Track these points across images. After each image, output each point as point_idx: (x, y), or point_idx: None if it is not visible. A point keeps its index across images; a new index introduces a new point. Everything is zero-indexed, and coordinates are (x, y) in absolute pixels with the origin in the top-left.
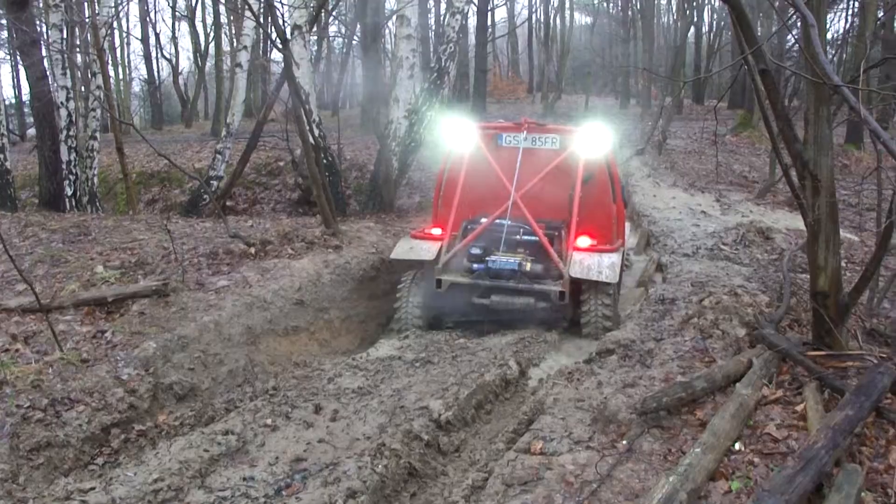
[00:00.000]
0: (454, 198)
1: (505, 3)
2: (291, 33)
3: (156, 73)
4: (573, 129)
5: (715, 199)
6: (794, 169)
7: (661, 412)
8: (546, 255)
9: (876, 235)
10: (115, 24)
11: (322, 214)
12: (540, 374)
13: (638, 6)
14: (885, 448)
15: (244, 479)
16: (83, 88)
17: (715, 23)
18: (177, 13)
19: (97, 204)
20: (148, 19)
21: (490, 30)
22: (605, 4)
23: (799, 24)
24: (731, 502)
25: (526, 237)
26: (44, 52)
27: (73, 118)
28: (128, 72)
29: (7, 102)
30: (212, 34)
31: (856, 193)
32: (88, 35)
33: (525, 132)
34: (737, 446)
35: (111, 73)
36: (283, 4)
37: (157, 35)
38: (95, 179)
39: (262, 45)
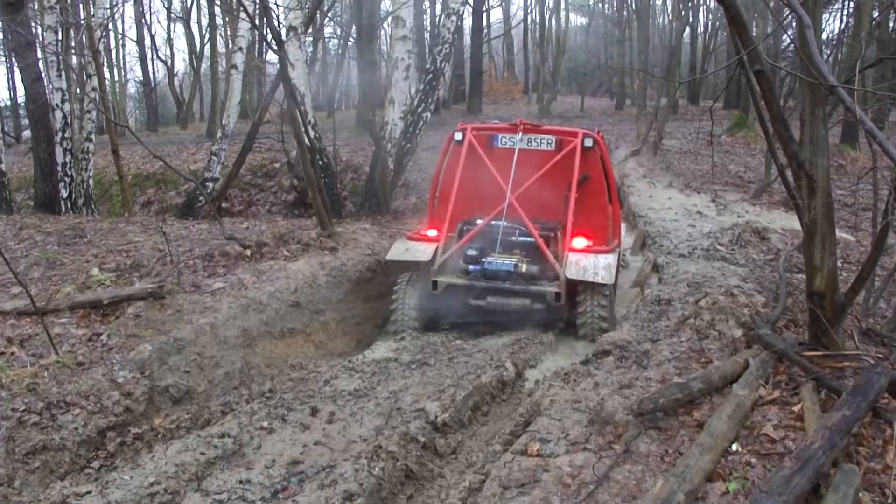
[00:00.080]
0: (450, 199)
1: (500, 4)
2: (287, 35)
3: (151, 75)
4: (569, 129)
5: (711, 199)
6: (790, 169)
7: (657, 413)
8: (542, 257)
9: (872, 235)
10: (110, 26)
11: (318, 216)
12: (536, 376)
13: (633, 7)
14: (882, 448)
15: (241, 482)
16: (78, 90)
17: (710, 23)
18: (172, 15)
19: (92, 206)
20: (143, 21)
21: (485, 31)
22: (600, 5)
23: (794, 24)
24: (729, 503)
25: (522, 238)
26: (39, 54)
27: (69, 120)
28: (123, 73)
29: (2, 104)
30: (207, 36)
31: (852, 193)
32: (84, 37)
33: (521, 133)
34: (734, 447)
35: (106, 74)
36: (278, 6)
37: (152, 37)
38: (91, 181)
39: (257, 46)
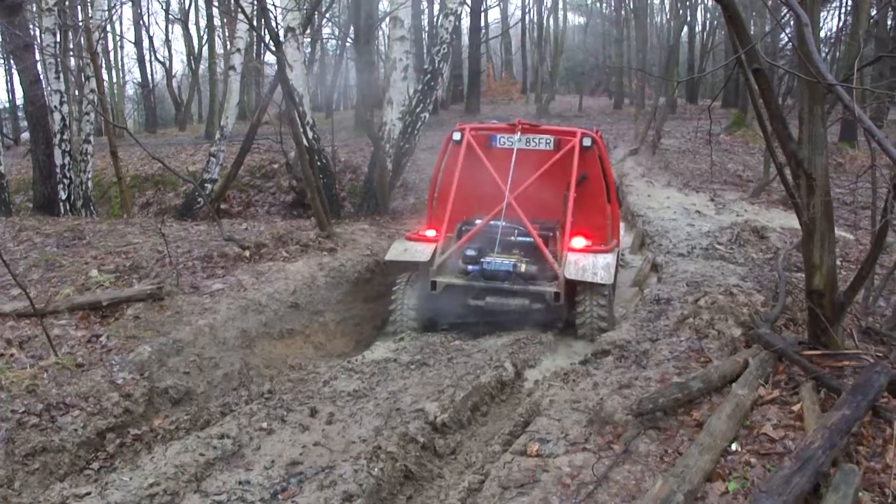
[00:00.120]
0: (448, 199)
1: (498, 4)
2: (285, 36)
3: (149, 77)
4: (567, 129)
5: (709, 198)
6: (789, 168)
7: (657, 413)
8: (541, 257)
9: (871, 234)
10: (108, 28)
11: (316, 217)
12: (536, 376)
13: (631, 6)
14: (881, 447)
15: (240, 483)
16: (77, 92)
17: (708, 22)
18: (170, 16)
19: (91, 208)
20: (141, 22)
21: (483, 31)
22: (598, 4)
23: (792, 22)
24: (729, 503)
25: (520, 238)
26: (37, 56)
27: (67, 122)
28: (121, 75)
29: (1, 106)
30: (205, 37)
31: (850, 192)
32: (82, 39)
33: (519, 133)
34: (733, 447)
35: (105, 76)
36: (276, 7)
37: (150, 38)
38: (90, 183)
39: (255, 47)
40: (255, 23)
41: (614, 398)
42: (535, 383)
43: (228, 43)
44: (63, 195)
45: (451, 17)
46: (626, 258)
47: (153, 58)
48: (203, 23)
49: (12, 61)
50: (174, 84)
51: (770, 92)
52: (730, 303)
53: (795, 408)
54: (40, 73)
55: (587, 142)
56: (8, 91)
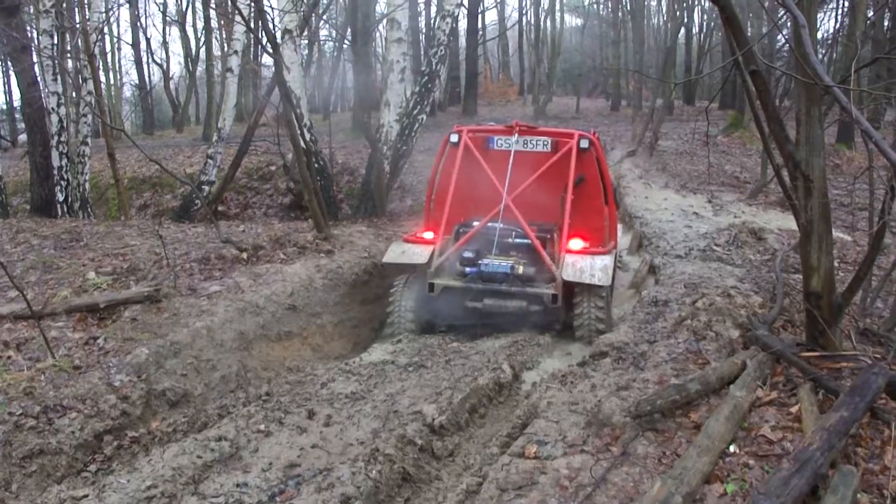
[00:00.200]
0: (446, 201)
1: (495, 6)
2: (282, 37)
3: (147, 78)
4: (565, 131)
5: (707, 199)
6: (786, 169)
7: (655, 415)
8: (538, 258)
9: (868, 235)
10: (105, 30)
11: (314, 219)
12: (533, 378)
13: (628, 8)
14: (880, 449)
15: (238, 485)
16: (74, 94)
17: (705, 24)
18: (167, 18)
19: (89, 210)
20: (139, 24)
21: (480, 33)
22: (595, 6)
23: (789, 24)
24: None
25: (518, 240)
26: (35, 58)
27: (65, 124)
28: (119, 77)
29: None
30: (202, 39)
31: (848, 193)
32: (79, 40)
33: (516, 135)
34: (731, 449)
35: (102, 78)
36: (273, 9)
37: (147, 40)
38: (87, 185)
39: (252, 49)
40: (252, 25)
41: (612, 400)
42: (532, 385)
43: (226, 45)
44: (60, 197)
45: (449, 19)
46: (624, 260)
47: (150, 60)
48: (200, 25)
49: (10, 63)
50: (171, 86)
51: (767, 93)
52: (727, 304)
53: (793, 409)
54: (38, 74)
55: (584, 143)
56: (5, 93)
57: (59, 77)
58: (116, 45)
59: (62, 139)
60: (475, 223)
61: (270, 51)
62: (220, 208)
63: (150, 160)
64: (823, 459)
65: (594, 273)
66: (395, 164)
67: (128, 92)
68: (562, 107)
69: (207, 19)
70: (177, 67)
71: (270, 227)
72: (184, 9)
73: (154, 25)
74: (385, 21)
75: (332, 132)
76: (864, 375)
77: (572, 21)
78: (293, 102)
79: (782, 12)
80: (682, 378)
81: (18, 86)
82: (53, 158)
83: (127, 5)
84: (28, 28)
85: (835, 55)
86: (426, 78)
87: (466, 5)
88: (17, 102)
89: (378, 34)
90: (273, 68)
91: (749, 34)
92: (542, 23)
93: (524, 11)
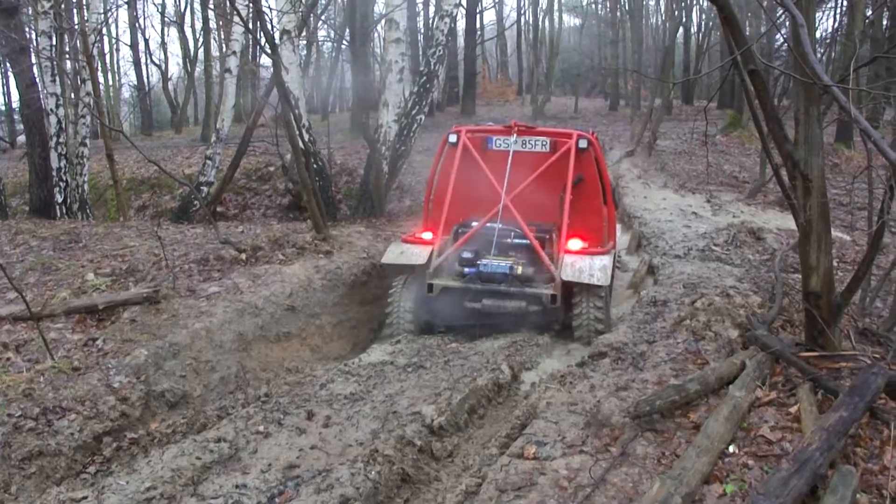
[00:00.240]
0: (445, 202)
1: (493, 6)
2: (280, 38)
3: (145, 79)
4: (563, 131)
5: (706, 199)
6: (785, 169)
7: (654, 415)
8: (537, 259)
9: (867, 235)
10: (104, 31)
11: (312, 219)
12: (532, 378)
13: (626, 7)
14: (879, 449)
15: (237, 486)
16: (73, 95)
17: (703, 23)
18: (166, 19)
19: (87, 211)
20: (137, 25)
21: (479, 32)
22: (593, 6)
23: (788, 23)
24: None
25: (517, 240)
26: (33, 59)
27: (63, 125)
28: (117, 78)
29: None
30: (201, 39)
31: (847, 193)
32: (78, 42)
33: (515, 135)
34: (731, 449)
35: (101, 79)
36: (271, 9)
37: (146, 41)
38: (86, 186)
39: (251, 50)
40: (250, 25)
41: (611, 400)
42: (531, 386)
43: (224, 45)
44: (59, 198)
45: (447, 19)
46: (623, 260)
47: (149, 60)
48: (199, 25)
49: (8, 64)
50: (170, 87)
51: (766, 93)
52: (726, 304)
53: (793, 409)
54: (36, 76)
55: (583, 143)
56: (4, 94)
57: (57, 78)
58: (115, 46)
59: (61, 140)
60: (474, 223)
61: (269, 51)
62: (218, 209)
63: (148, 161)
64: (823, 460)
65: (593, 273)
66: (393, 165)
67: (126, 93)
68: (560, 107)
69: (206, 20)
70: (175, 68)
71: (269, 228)
72: (182, 10)
73: (152, 26)
74: (383, 21)
75: (330, 133)
76: (864, 375)
77: (570, 21)
78: (292, 103)
79: (781, 11)
80: (681, 378)
81: (17, 87)
82: (52, 159)
83: (125, 6)
84: (27, 29)
85: (833, 54)
86: (424, 78)
87: (465, 5)
88: (15, 104)
89: (376, 34)
90: (271, 69)
91: (747, 33)
92: (540, 23)
93: (522, 11)
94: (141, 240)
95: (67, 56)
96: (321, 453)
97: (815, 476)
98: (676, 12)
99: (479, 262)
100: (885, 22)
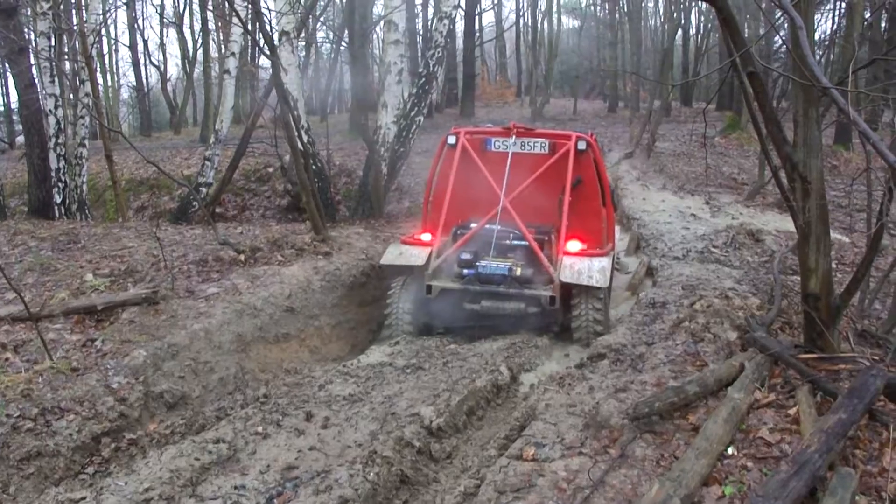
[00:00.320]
0: (444, 203)
1: (492, 8)
2: (279, 39)
3: (144, 80)
4: (562, 132)
5: (704, 201)
6: (784, 171)
7: (653, 417)
8: (536, 260)
9: (866, 237)
10: (103, 32)
11: (311, 221)
12: (531, 380)
13: (625, 9)
14: (878, 451)
15: (235, 487)
16: (71, 96)
17: (702, 25)
18: (165, 20)
19: (86, 212)
20: (136, 26)
21: (478, 34)
22: (592, 8)
23: (786, 25)
24: None
25: (516, 242)
26: (32, 60)
27: (62, 126)
28: (116, 79)
29: None
30: (200, 41)
31: (846, 194)
32: (77, 43)
33: (514, 137)
34: (730, 451)
35: (99, 80)
36: (270, 11)
37: (145, 42)
38: (84, 187)
39: (250, 51)
40: (249, 27)
41: (610, 402)
42: (530, 387)
43: (223, 46)
44: (58, 199)
45: (446, 21)
46: (622, 261)
47: (148, 61)
48: (198, 26)
49: (7, 65)
50: (169, 88)
51: (765, 95)
52: (725, 306)
53: (792, 411)
54: (35, 76)
55: (582, 145)
56: (3, 95)
57: (56, 79)
58: (114, 47)
59: (60, 141)
60: (473, 225)
61: (268, 53)
62: (217, 210)
63: (147, 162)
64: (822, 461)
65: (592, 275)
66: (392, 166)
67: (125, 94)
68: (559, 108)
69: (205, 21)
70: (174, 69)
71: (268, 229)
72: (181, 11)
73: (151, 27)
74: (382, 23)
75: (329, 134)
76: (863, 377)
77: (569, 23)
78: (290, 104)
79: (779, 13)
80: (680, 380)
81: (16, 88)
82: (51, 160)
83: (124, 7)
84: (26, 30)
85: (832, 56)
86: (423, 80)
87: (463, 7)
88: (14, 104)
89: (375, 36)
90: (270, 70)
91: (746, 35)
92: (539, 24)
93: (521, 13)
94: (140, 240)
95: (66, 57)
96: (320, 454)
97: (814, 478)
98: (675, 14)
99: (477, 263)
100: (883, 24)
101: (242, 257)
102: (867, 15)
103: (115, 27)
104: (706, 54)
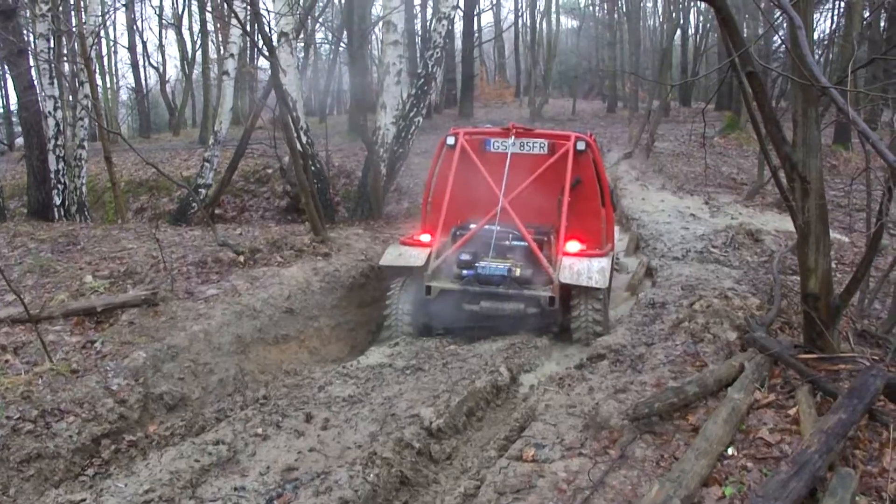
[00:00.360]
0: (443, 204)
1: (491, 8)
2: (278, 40)
3: (143, 82)
4: (561, 133)
5: (704, 201)
6: (783, 171)
7: (653, 418)
8: (535, 261)
9: (866, 236)
10: (102, 33)
11: (311, 222)
12: (531, 381)
13: (624, 9)
14: (878, 451)
15: (235, 489)
16: (71, 98)
17: (701, 25)
18: (163, 21)
19: (86, 213)
20: (135, 28)
21: (476, 35)
22: (591, 8)
23: (785, 25)
24: None
25: (515, 242)
26: (31, 62)
27: (61, 127)
28: (115, 80)
29: None
30: (198, 42)
31: (845, 194)
32: (76, 44)
33: (513, 137)
34: (730, 451)
35: (98, 81)
36: (269, 12)
37: (143, 43)
38: (84, 188)
39: (248, 52)
40: (248, 28)
41: (610, 403)
42: (530, 388)
43: (222, 48)
44: (57, 201)
45: (445, 22)
46: (621, 262)
47: (147, 63)
48: (196, 28)
49: (6, 67)
50: (168, 89)
51: (764, 95)
52: (725, 306)
53: (791, 412)
54: (34, 78)
55: (581, 145)
56: (2, 97)
57: (55, 81)
58: (113, 49)
59: (59, 143)
60: (472, 225)
61: (267, 54)
62: (216, 211)
63: (146, 163)
64: (822, 462)
65: (591, 275)
66: (391, 167)
67: (124, 95)
68: (558, 109)
69: (203, 23)
70: (173, 71)
71: (267, 230)
72: (180, 12)
73: (150, 29)
74: (381, 24)
75: (328, 135)
76: (863, 377)
77: (568, 23)
78: (289, 105)
79: (778, 13)
80: (679, 380)
81: (15, 89)
82: (50, 162)
83: (123, 9)
84: (25, 32)
85: (831, 56)
86: (422, 80)
87: (462, 7)
88: (13, 106)
89: (374, 37)
90: (269, 71)
91: (745, 35)
92: (538, 25)
93: (520, 13)
94: (139, 242)
95: (65, 59)
96: (319, 456)
97: (814, 478)
98: (674, 14)
99: (477, 264)
100: (882, 23)
101: (242, 258)
102: (866, 14)
103: (115, 29)
104: (705, 54)
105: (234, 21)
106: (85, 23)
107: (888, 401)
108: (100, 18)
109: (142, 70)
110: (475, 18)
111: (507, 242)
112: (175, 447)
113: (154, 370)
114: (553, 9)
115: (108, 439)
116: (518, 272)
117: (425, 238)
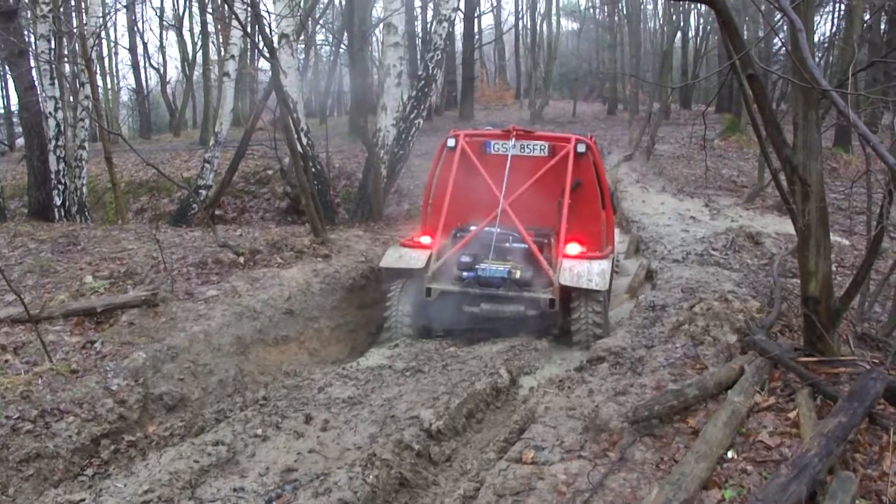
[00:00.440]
0: (443, 206)
1: (491, 10)
2: (279, 42)
3: (144, 83)
4: (561, 135)
5: (704, 204)
6: (784, 173)
7: (652, 420)
8: (536, 263)
9: (866, 239)
10: (102, 34)
11: (311, 223)
12: (531, 383)
13: (624, 11)
14: (878, 455)
15: (234, 489)
16: (71, 98)
17: (702, 27)
18: (164, 23)
19: (86, 214)
20: (135, 29)
21: (477, 37)
22: (591, 10)
23: (786, 27)
24: None
25: (515, 245)
26: (32, 63)
27: (62, 128)
28: (116, 81)
29: None
30: (199, 43)
31: (846, 197)
32: (76, 45)
33: (513, 139)
34: (729, 454)
35: (99, 82)
36: (270, 14)
37: (144, 44)
38: (84, 189)
39: (249, 53)
40: (249, 29)
41: (610, 405)
42: (530, 390)
43: (223, 49)
44: (58, 201)
45: (445, 24)
46: (622, 264)
47: (147, 64)
48: (197, 29)
49: (7, 67)
50: (168, 90)
51: (764, 97)
52: (725, 309)
53: (791, 415)
54: (35, 79)
55: (581, 148)
56: (3, 97)
57: (56, 81)
58: (113, 50)
59: (59, 143)
60: (472, 227)
61: (267, 55)
62: (217, 212)
63: (147, 164)
64: (822, 465)
65: (591, 278)
66: (391, 169)
67: (125, 96)
68: (558, 111)
69: (204, 24)
70: (174, 72)
71: (267, 232)
72: (181, 13)
73: (151, 30)
74: (381, 25)
75: (328, 136)
76: (863, 380)
77: (569, 25)
78: (290, 107)
79: (779, 16)
80: (679, 383)
81: (16, 90)
82: (51, 162)
83: (124, 10)
84: (26, 32)
85: (832, 59)
86: (423, 82)
87: (463, 9)
88: (14, 107)
89: (375, 38)
90: (270, 73)
91: (746, 38)
92: (538, 27)
93: (521, 16)
94: (139, 243)
95: (66, 59)
96: (319, 457)
97: (814, 482)
98: (674, 16)
99: (477, 266)
100: (882, 26)
101: (242, 259)
102: (866, 17)
103: (115, 30)
104: (705, 57)
105: (234, 22)
106: (86, 24)
107: (888, 404)
108: (101, 19)
109: (142, 71)
110: (476, 20)
111: (507, 244)
112: (174, 448)
113: (154, 371)
114: (553, 11)
115: (108, 439)
116: (518, 274)
117: (425, 240)
